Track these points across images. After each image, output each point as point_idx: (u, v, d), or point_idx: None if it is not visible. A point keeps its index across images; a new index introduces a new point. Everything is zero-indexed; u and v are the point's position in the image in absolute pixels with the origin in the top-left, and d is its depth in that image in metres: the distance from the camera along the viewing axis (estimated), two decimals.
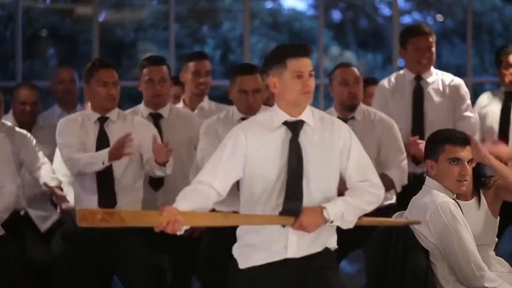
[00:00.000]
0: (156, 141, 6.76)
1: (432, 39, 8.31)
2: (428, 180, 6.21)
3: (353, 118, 7.93)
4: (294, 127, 5.54)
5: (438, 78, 8.33)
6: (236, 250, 5.68)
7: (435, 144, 6.22)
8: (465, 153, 6.20)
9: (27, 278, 7.56)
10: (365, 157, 5.66)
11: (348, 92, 7.91)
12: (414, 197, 6.27)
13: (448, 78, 8.38)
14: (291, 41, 7.71)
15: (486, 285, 6.02)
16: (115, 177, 7.00)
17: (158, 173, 7.10)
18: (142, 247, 6.63)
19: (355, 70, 7.93)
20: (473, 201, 6.40)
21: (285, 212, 5.47)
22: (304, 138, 5.59)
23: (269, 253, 5.60)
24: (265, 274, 5.65)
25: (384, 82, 8.57)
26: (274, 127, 5.56)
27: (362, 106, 7.98)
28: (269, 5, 14.88)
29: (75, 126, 7.04)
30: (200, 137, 7.36)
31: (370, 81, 9.18)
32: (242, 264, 5.64)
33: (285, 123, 5.53)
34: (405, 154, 7.86)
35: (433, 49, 8.27)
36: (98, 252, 7.26)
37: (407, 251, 6.18)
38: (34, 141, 8.43)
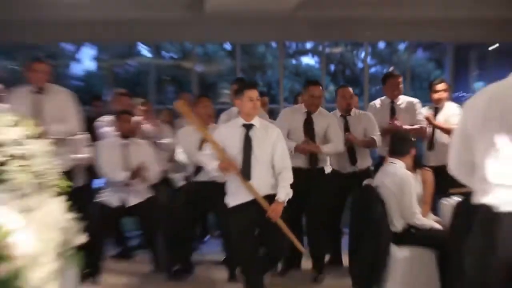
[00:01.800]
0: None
1: (400, 79, 8.56)
2: (395, 160, 6.47)
3: (349, 115, 8.08)
4: (248, 127, 6.19)
5: (403, 101, 8.45)
6: (226, 198, 6.22)
7: (406, 144, 6.62)
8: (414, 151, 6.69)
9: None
10: (285, 150, 6.29)
11: (346, 103, 8.09)
12: (384, 167, 6.57)
13: (409, 100, 8.49)
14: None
15: (417, 222, 6.40)
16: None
17: None
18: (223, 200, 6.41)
19: (350, 89, 8.25)
20: (415, 175, 6.67)
21: (242, 173, 6.04)
22: (252, 133, 6.16)
23: (242, 197, 6.11)
24: (243, 208, 6.10)
25: (374, 103, 8.67)
26: (238, 126, 6.19)
27: (354, 110, 8.18)
28: (293, 62, 14.97)
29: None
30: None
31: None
32: (230, 205, 6.20)
33: (243, 125, 6.19)
34: (378, 131, 8.10)
35: (401, 85, 8.50)
36: (202, 199, 7.43)
37: (372, 202, 6.30)
38: None
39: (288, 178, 6.18)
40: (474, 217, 3.98)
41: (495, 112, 3.86)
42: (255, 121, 6.20)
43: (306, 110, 7.61)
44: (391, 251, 6.29)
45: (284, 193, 6.08)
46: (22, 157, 4.81)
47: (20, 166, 4.74)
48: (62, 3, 10.04)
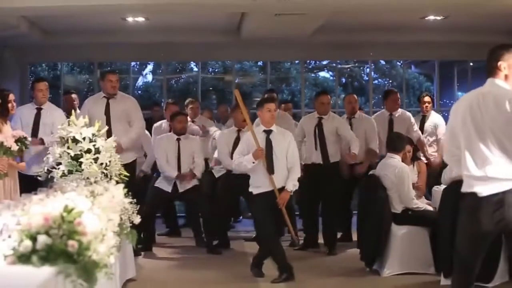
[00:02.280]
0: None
1: (398, 96, 8.63)
2: (393, 155, 6.34)
3: (354, 117, 8.05)
4: (268, 132, 6.22)
5: (400, 113, 8.39)
6: (250, 187, 6.21)
7: (402, 142, 6.51)
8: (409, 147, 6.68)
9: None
10: (296, 149, 6.32)
11: (351, 106, 8.12)
12: (383, 160, 6.46)
13: (404, 112, 8.50)
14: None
15: (413, 206, 6.35)
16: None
17: None
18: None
19: (355, 96, 8.43)
20: (410, 167, 6.66)
21: (268, 168, 6.03)
22: (272, 137, 6.18)
23: (263, 188, 6.10)
24: (264, 196, 6.08)
25: (375, 116, 8.67)
26: (260, 132, 6.21)
27: (358, 112, 8.17)
28: (312, 75, 14.66)
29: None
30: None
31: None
32: (254, 193, 6.20)
33: (264, 131, 6.22)
34: (377, 138, 7.95)
35: (399, 101, 8.59)
36: (236, 187, 7.22)
37: (376, 189, 6.26)
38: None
39: (296, 172, 6.18)
40: (462, 204, 3.99)
41: (470, 116, 3.82)
42: (273, 127, 6.23)
43: (318, 116, 7.56)
44: (392, 229, 6.25)
45: (292, 185, 6.09)
46: (92, 151, 4.70)
47: (90, 159, 4.63)
48: (130, 30, 10.05)
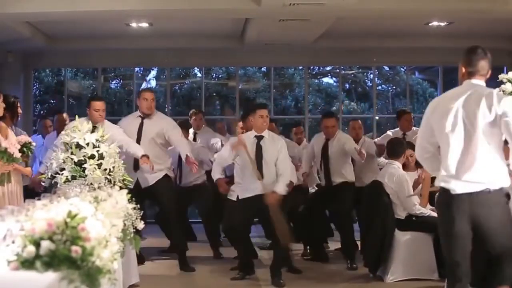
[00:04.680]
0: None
1: (412, 116, 8.46)
2: (392, 161, 6.40)
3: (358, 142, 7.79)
4: (259, 138, 6.33)
5: (414, 133, 7.98)
6: (235, 191, 6.37)
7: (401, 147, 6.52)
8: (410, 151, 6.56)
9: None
10: (287, 156, 6.36)
11: (355, 133, 7.84)
12: (385, 167, 6.54)
13: (417, 131, 8.23)
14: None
15: (417, 212, 6.32)
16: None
17: None
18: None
19: (359, 122, 8.09)
20: (415, 172, 6.62)
21: (257, 174, 6.13)
22: (263, 143, 6.29)
23: (250, 191, 6.22)
24: (248, 200, 6.20)
25: (388, 133, 8.41)
26: (252, 138, 6.31)
27: (363, 137, 7.95)
28: (316, 81, 14.59)
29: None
30: None
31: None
32: (240, 197, 6.31)
33: (255, 136, 6.33)
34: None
35: (413, 121, 8.42)
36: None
37: (379, 196, 6.29)
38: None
39: (286, 177, 6.24)
40: (437, 200, 4.03)
41: (455, 118, 3.79)
42: (265, 133, 6.34)
43: (325, 138, 7.33)
44: (396, 235, 6.26)
45: (280, 187, 6.16)
46: (96, 157, 4.70)
47: (94, 164, 4.64)
48: (134, 35, 10.10)
